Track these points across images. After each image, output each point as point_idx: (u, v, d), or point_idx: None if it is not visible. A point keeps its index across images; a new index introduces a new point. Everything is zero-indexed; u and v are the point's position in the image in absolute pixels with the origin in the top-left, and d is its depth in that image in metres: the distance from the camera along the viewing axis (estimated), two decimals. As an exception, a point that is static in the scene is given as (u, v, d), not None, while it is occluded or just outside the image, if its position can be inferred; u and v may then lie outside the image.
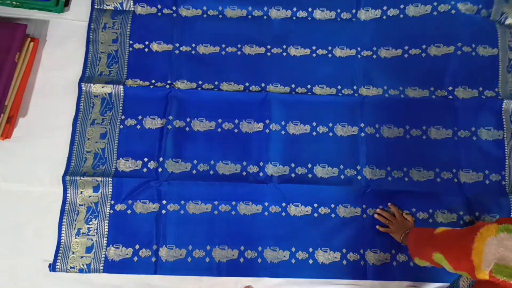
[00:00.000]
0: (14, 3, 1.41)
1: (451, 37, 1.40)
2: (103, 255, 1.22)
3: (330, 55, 1.42)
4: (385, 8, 1.45)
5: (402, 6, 1.44)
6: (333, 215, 1.27)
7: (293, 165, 1.31)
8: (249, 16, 1.46)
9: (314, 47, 1.43)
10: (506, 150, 1.33)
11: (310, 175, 1.30)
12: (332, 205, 1.28)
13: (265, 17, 1.46)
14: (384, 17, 1.45)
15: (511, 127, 1.35)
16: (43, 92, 1.37)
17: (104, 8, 1.47)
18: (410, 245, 1.09)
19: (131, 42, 1.43)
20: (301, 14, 1.46)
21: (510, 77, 1.40)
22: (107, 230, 1.25)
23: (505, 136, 1.34)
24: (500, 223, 0.78)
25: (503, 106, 1.36)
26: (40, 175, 1.29)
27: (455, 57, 1.39)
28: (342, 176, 1.30)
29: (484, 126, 1.34)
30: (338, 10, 1.46)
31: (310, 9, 1.46)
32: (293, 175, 1.30)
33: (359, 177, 1.30)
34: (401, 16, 1.44)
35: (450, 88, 1.37)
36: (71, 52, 1.41)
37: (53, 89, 1.37)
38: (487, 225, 0.79)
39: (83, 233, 1.24)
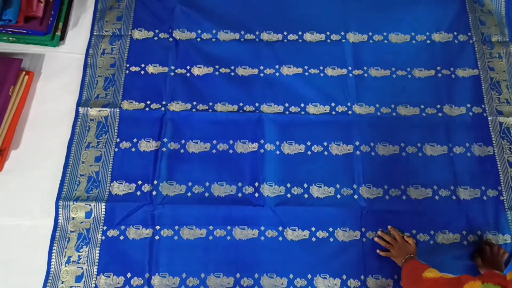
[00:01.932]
0: (10, 39, 1.12)
1: (430, 62, 1.13)
2: (93, 285, 0.90)
3: (322, 74, 1.11)
4: (370, 33, 1.16)
5: (385, 34, 1.16)
6: (331, 239, 0.94)
7: (288, 185, 0.99)
8: (242, 40, 1.15)
9: (306, 67, 1.12)
10: (498, 165, 1.02)
11: (306, 195, 0.98)
12: (330, 229, 0.95)
13: (257, 40, 1.15)
14: (371, 41, 1.16)
15: (501, 142, 1.05)
16: (36, 124, 1.06)
17: (103, 34, 1.15)
18: (403, 281, 0.80)
19: (127, 65, 1.12)
20: (292, 37, 1.16)
21: (494, 94, 1.11)
22: (98, 257, 0.92)
23: (495, 151, 1.04)
24: (484, 281, 0.58)
25: (489, 122, 1.06)
26: (31, 208, 0.97)
27: (437, 79, 1.11)
28: (338, 196, 0.98)
29: (476, 142, 1.05)
30: (328, 33, 1.16)
31: (300, 33, 1.16)
32: (289, 195, 0.98)
33: (355, 197, 0.97)
34: (385, 41, 1.16)
35: (438, 106, 1.08)
36: (66, 84, 1.10)
37: (46, 121, 1.06)
38: (472, 282, 0.60)
39: (73, 261, 0.91)
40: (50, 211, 0.95)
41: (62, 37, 1.15)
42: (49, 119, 1.06)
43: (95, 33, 1.16)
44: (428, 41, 1.15)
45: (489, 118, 1.06)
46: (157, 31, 1.15)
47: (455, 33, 1.17)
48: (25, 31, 1.09)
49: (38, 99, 1.08)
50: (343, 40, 1.15)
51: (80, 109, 1.05)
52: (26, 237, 0.94)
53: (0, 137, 0.99)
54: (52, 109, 1.07)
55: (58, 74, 1.11)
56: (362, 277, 0.90)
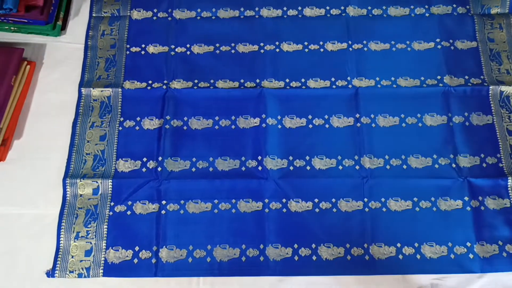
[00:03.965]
0: (12, 28, 1.10)
1: (429, 34, 1.12)
2: (102, 258, 0.90)
3: (322, 50, 1.10)
4: (369, 7, 1.15)
5: (384, 7, 1.15)
6: (334, 210, 0.94)
7: (291, 158, 0.99)
8: (242, 16, 1.14)
9: (306, 43, 1.11)
10: (497, 133, 1.02)
11: (308, 167, 0.98)
12: (333, 200, 0.95)
13: (257, 16, 1.14)
14: (370, 15, 1.14)
15: (501, 111, 1.04)
16: (38, 114, 1.05)
17: (102, 15, 1.14)
18: None
19: (128, 46, 1.11)
20: (292, 12, 1.14)
21: (494, 65, 1.10)
22: (106, 232, 0.93)
23: (495, 120, 1.03)
24: None
25: (490, 92, 1.05)
26: (34, 197, 0.96)
27: (437, 51, 1.10)
28: (340, 167, 0.98)
29: (475, 112, 1.04)
30: (327, 7, 1.15)
31: (300, 8, 1.15)
32: (291, 168, 0.98)
33: (357, 167, 0.97)
34: (384, 15, 1.14)
35: (439, 77, 1.07)
36: (67, 74, 1.09)
37: (48, 111, 1.05)
38: None
39: (81, 236, 0.92)
40: (53, 200, 0.95)
41: (64, 27, 1.14)
42: (51, 109, 1.05)
43: (94, 15, 1.14)
44: (427, 14, 1.14)
45: (490, 87, 1.04)
46: (155, 10, 1.14)
47: (454, 5, 1.15)
48: (26, 21, 1.07)
49: (40, 89, 1.07)
50: (343, 14, 1.13)
51: (83, 90, 1.05)
52: (30, 226, 0.93)
53: (2, 127, 0.98)
54: (54, 99, 1.06)
55: (60, 64, 1.10)
56: (365, 245, 0.91)
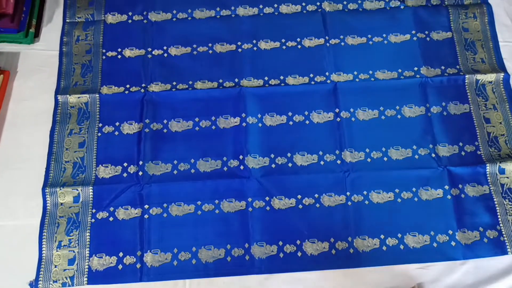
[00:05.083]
0: (-18, 38, 1.09)
1: (405, 27, 1.13)
2: (86, 266, 0.89)
3: (299, 46, 1.10)
4: (345, 2, 1.16)
5: (359, 1, 1.16)
6: (317, 205, 0.95)
7: (272, 155, 0.99)
8: (218, 16, 1.14)
9: (283, 40, 1.11)
10: (475, 121, 1.04)
11: (290, 164, 0.98)
12: (316, 195, 0.96)
13: (233, 15, 1.14)
14: (346, 10, 1.15)
15: (477, 99, 1.06)
16: (15, 123, 1.03)
17: (76, 21, 1.12)
18: None
19: (104, 51, 1.10)
20: (268, 10, 1.15)
21: (469, 54, 1.12)
22: (89, 240, 0.92)
23: (471, 108, 1.05)
24: None
25: (466, 81, 1.07)
26: (14, 208, 0.95)
27: (413, 43, 1.11)
28: (322, 162, 0.98)
29: (452, 101, 1.06)
30: (303, 4, 1.16)
31: (276, 5, 1.15)
32: (273, 165, 0.98)
33: (338, 162, 0.98)
34: (360, 9, 1.16)
35: (416, 68, 1.09)
36: (43, 81, 1.07)
37: (25, 120, 1.04)
38: None
39: (64, 245, 0.91)
40: (33, 211, 0.94)
41: (37, 34, 1.12)
42: (28, 118, 1.03)
43: (67, 20, 1.13)
44: (402, 7, 1.15)
45: (466, 76, 1.06)
46: (130, 13, 1.13)
47: None
48: (-3, 29, 1.06)
49: (15, 98, 1.06)
50: (319, 10, 1.14)
51: (59, 97, 1.03)
52: (11, 238, 0.92)
53: (-22, 138, 0.97)
54: (30, 108, 1.04)
55: (35, 72, 1.08)
56: (349, 238, 0.92)
